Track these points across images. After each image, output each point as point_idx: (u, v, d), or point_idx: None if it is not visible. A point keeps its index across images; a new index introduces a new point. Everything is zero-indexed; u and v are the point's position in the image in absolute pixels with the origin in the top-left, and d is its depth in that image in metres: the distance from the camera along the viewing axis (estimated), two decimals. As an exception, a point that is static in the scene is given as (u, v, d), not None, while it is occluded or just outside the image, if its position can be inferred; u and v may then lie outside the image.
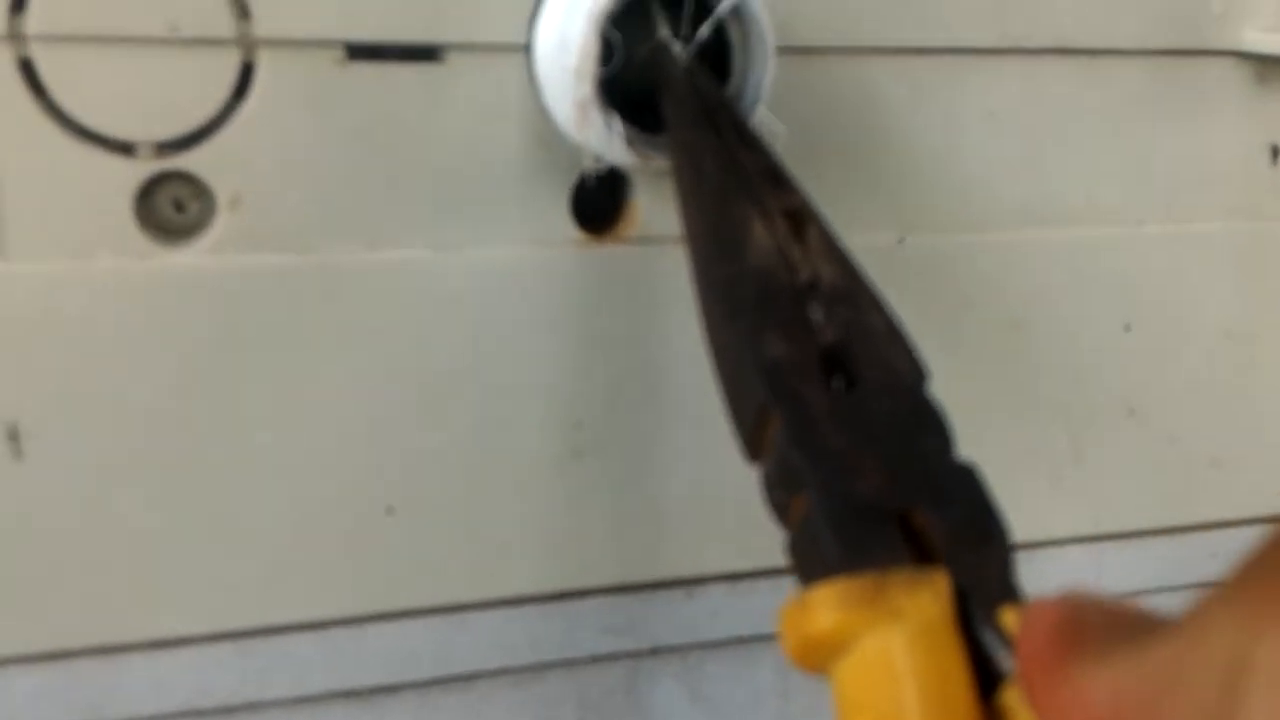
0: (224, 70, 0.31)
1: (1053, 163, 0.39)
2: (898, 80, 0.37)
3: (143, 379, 0.32)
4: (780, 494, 0.25)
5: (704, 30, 0.31)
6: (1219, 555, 0.46)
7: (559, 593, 0.37)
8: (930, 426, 0.26)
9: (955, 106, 0.38)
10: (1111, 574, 0.44)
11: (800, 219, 0.29)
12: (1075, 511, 0.43)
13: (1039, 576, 0.44)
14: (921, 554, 0.23)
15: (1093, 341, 0.41)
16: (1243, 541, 0.46)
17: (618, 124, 0.31)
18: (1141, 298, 0.41)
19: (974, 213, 0.39)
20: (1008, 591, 0.22)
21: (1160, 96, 0.40)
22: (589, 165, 0.32)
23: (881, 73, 0.37)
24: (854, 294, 0.28)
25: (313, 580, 0.35)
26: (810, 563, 0.23)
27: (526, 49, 0.33)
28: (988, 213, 0.39)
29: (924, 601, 0.21)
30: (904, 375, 0.26)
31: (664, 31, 0.31)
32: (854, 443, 0.24)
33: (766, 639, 0.40)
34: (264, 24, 0.31)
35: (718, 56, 0.32)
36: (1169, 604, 0.45)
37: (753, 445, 0.26)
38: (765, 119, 0.32)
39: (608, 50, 0.30)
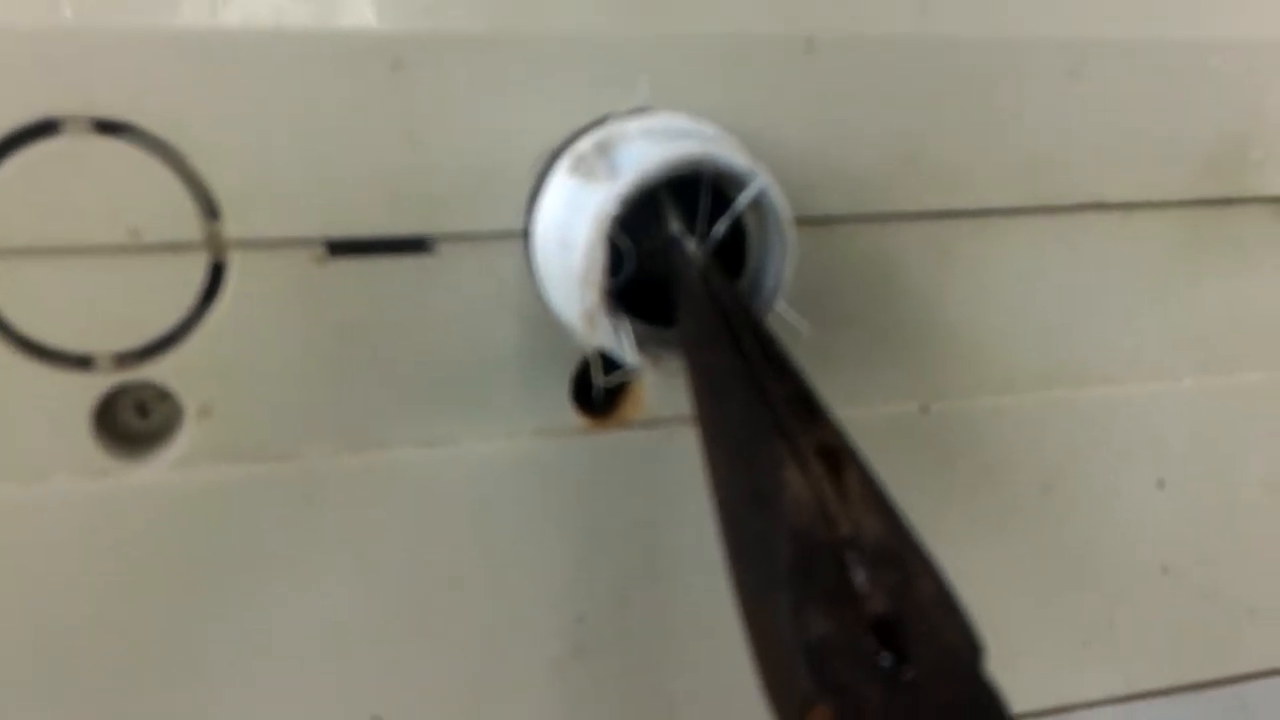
0: (191, 273, 0.28)
1: (1085, 321, 0.37)
2: (923, 244, 0.34)
3: (106, 604, 0.29)
4: None
5: (720, 227, 0.28)
6: (1248, 706, 0.44)
7: (561, 793, 0.35)
8: (989, 716, 0.23)
9: (983, 269, 0.35)
10: (1141, 732, 0.42)
11: (837, 459, 0.26)
12: (1107, 672, 0.41)
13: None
14: None
15: (1125, 501, 0.39)
16: (1272, 691, 0.43)
17: (627, 330, 0.28)
18: (1175, 453, 0.39)
19: (1001, 376, 0.36)
20: None
21: (1198, 248, 0.37)
22: (600, 375, 0.29)
23: (905, 238, 0.34)
24: (900, 553, 0.25)
25: (295, 799, 0.32)
26: None
27: (524, 235, 0.30)
28: (1015, 375, 0.36)
29: None
30: (959, 653, 0.24)
31: (675, 227, 0.29)
32: None
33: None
34: (235, 224, 0.28)
35: (733, 246, 0.30)
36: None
37: None
38: (787, 315, 0.30)
39: (616, 255, 0.28)
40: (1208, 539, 0.40)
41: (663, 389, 0.33)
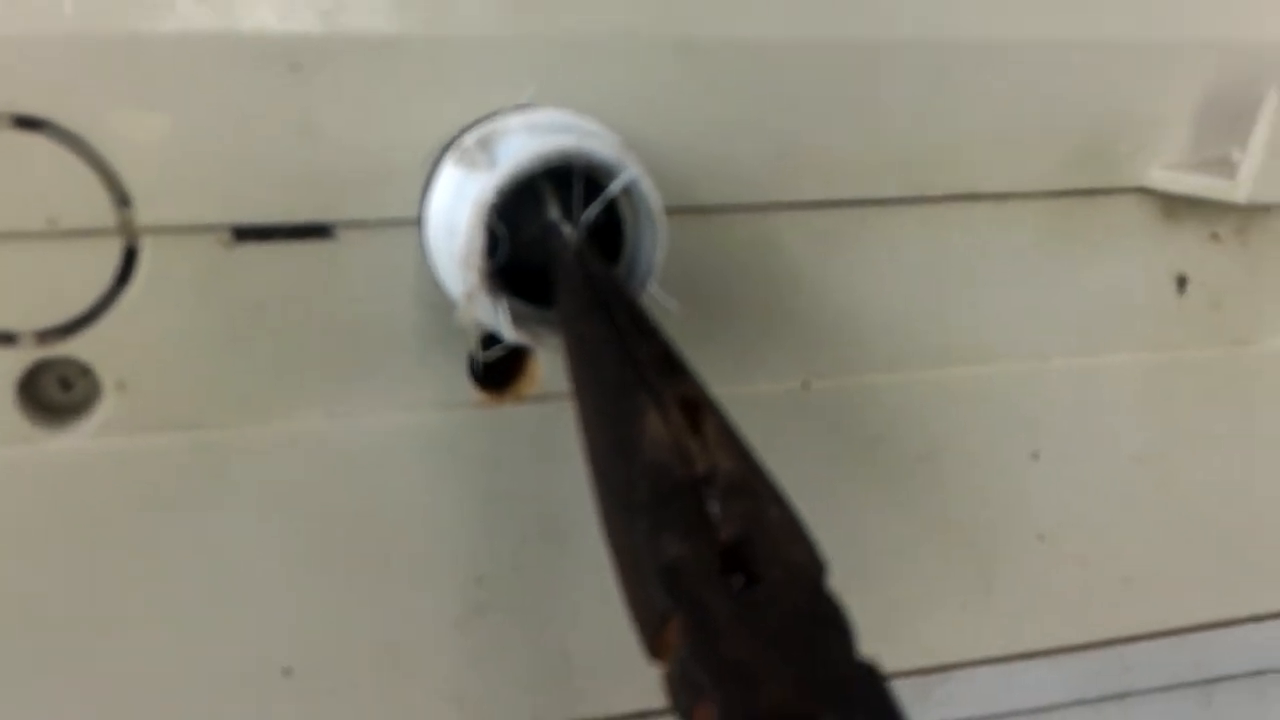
0: (106, 257, 0.30)
1: (960, 304, 0.39)
2: (802, 233, 0.37)
3: (29, 564, 0.32)
4: (683, 699, 0.25)
5: (592, 211, 0.31)
6: (1133, 668, 0.46)
7: (465, 741, 0.38)
8: (832, 625, 0.25)
9: (861, 255, 0.38)
10: (1024, 691, 0.45)
11: (697, 408, 0.29)
12: (987, 634, 0.44)
13: (953, 697, 0.44)
14: None
15: (1001, 471, 0.42)
16: (1155, 652, 0.47)
17: (505, 310, 0.31)
18: (1048, 427, 0.42)
19: (880, 355, 0.39)
20: None
21: (1068, 235, 0.40)
22: (480, 349, 0.32)
23: (784, 227, 0.36)
24: (752, 485, 0.27)
25: (212, 744, 0.35)
26: None
27: (418, 222, 0.33)
28: (894, 354, 0.39)
29: None
30: (804, 570, 0.26)
31: (554, 213, 0.31)
32: (756, 648, 0.24)
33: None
34: (145, 211, 0.30)
35: (610, 234, 0.32)
36: (1082, 717, 0.45)
37: (654, 647, 0.26)
38: (658, 295, 0.32)
39: (495, 239, 0.30)
40: (1081, 509, 0.43)
41: (555, 366, 0.35)
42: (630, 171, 0.31)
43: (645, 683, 0.39)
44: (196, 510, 0.33)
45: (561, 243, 0.31)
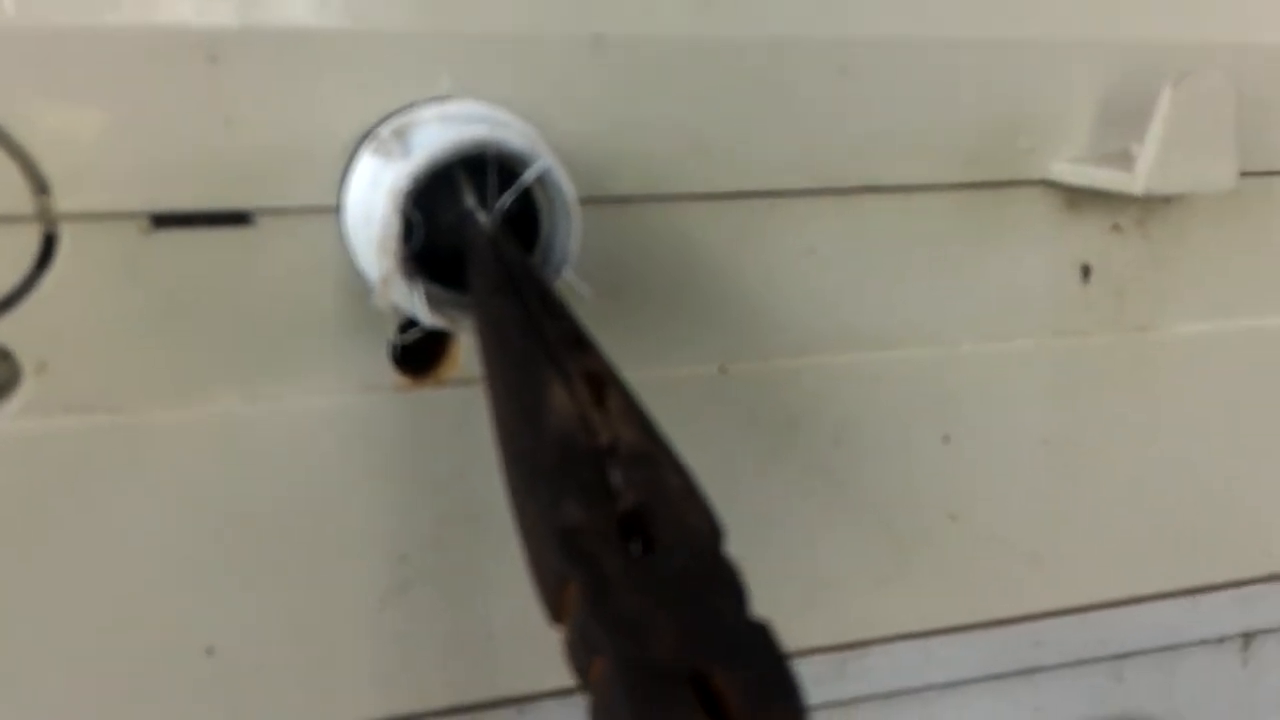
0: (25, 243, 0.31)
1: (871, 291, 0.41)
2: (714, 222, 0.38)
3: (-49, 544, 0.32)
4: (580, 658, 0.26)
5: (506, 198, 0.32)
6: (1042, 643, 0.48)
7: (389, 719, 0.38)
8: (725, 585, 0.26)
9: (774, 244, 0.39)
10: (938, 666, 0.46)
11: (601, 382, 0.30)
12: (902, 609, 0.45)
13: (869, 671, 0.46)
14: (719, 715, 0.23)
15: (913, 454, 0.43)
16: (1065, 629, 0.48)
17: (421, 294, 0.31)
18: (958, 411, 0.43)
19: (794, 340, 0.40)
20: None
21: (974, 226, 0.41)
22: (397, 333, 0.33)
23: (698, 217, 0.38)
24: (653, 455, 0.28)
25: (136, 723, 0.35)
26: None
27: (337, 209, 0.33)
28: (807, 339, 0.40)
29: None
30: (700, 535, 0.27)
31: (470, 201, 0.32)
32: (648, 606, 0.25)
33: (598, 749, 0.41)
34: (64, 199, 0.31)
35: (525, 222, 0.33)
36: (995, 691, 0.47)
37: (554, 610, 0.27)
38: (573, 282, 0.33)
39: (411, 226, 0.31)
40: (991, 490, 0.45)
41: (475, 351, 0.36)
42: (544, 160, 0.32)
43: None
44: (116, 492, 0.33)
45: (476, 230, 0.32)
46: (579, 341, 0.31)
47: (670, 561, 0.26)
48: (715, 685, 0.24)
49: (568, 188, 0.32)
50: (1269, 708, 0.54)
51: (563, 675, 0.40)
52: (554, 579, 0.26)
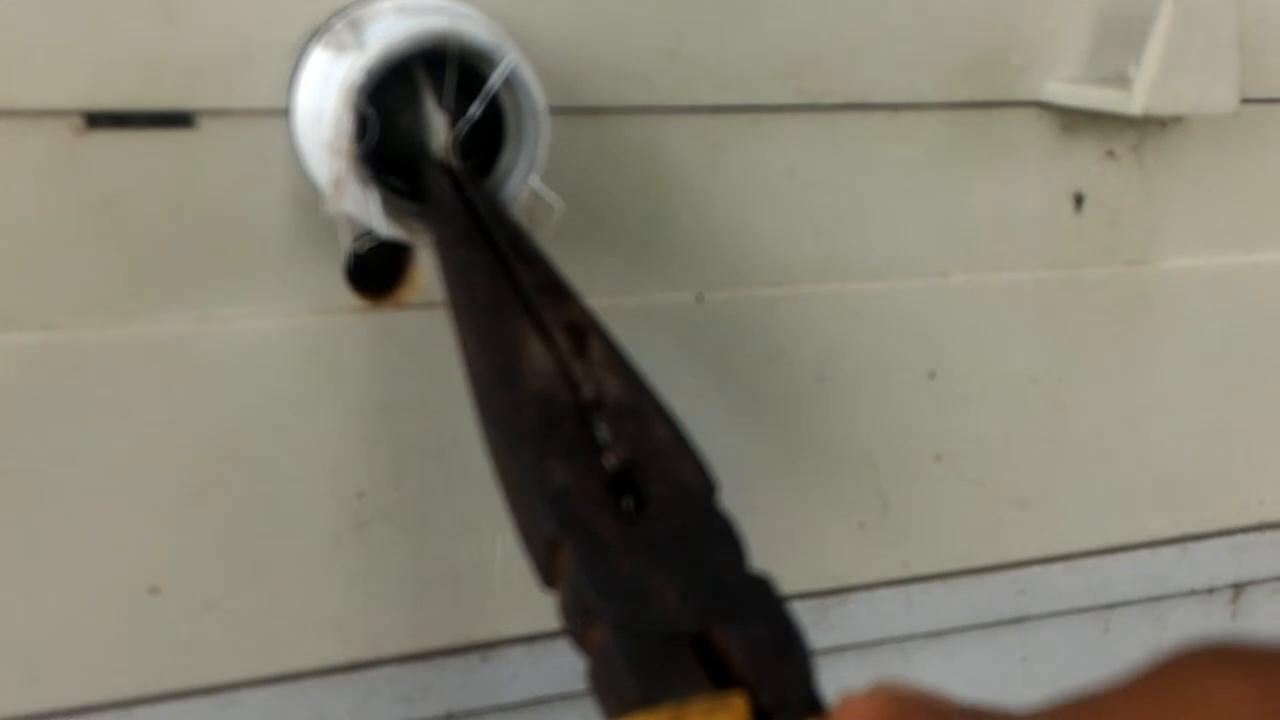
0: (-55, 141, 0.29)
1: (855, 216, 0.39)
2: (693, 139, 0.36)
3: None
4: (576, 623, 0.24)
5: (475, 108, 0.30)
6: (1027, 592, 0.47)
7: (347, 664, 0.36)
8: (722, 540, 0.25)
9: (753, 164, 0.37)
10: (921, 614, 0.45)
11: (582, 332, 0.28)
12: (884, 555, 0.43)
13: (850, 619, 0.44)
14: (723, 674, 0.22)
15: (897, 391, 0.41)
16: (1052, 577, 0.46)
17: (376, 200, 0.29)
18: (945, 346, 0.41)
19: (774, 267, 0.38)
20: (811, 704, 0.22)
21: (963, 148, 0.39)
22: (349, 240, 0.30)
23: (675, 131, 0.36)
24: (639, 407, 0.27)
25: (73, 665, 0.33)
26: (608, 696, 0.23)
27: (286, 113, 0.31)
28: (789, 267, 0.38)
29: None
30: (693, 489, 0.26)
31: (429, 103, 0.30)
32: (645, 568, 0.24)
33: (567, 698, 0.39)
34: (-13, 92, 0.28)
35: (490, 126, 0.31)
36: (981, 640, 0.45)
37: (547, 574, 0.25)
38: (541, 190, 0.31)
39: (365, 124, 0.29)
40: (978, 429, 0.43)
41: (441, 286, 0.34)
42: (510, 58, 0.29)
43: (533, 606, 0.38)
44: (51, 418, 0.31)
45: (435, 165, 0.30)
46: (556, 289, 0.29)
47: (664, 519, 0.25)
48: (717, 645, 0.23)
49: (536, 87, 0.30)
50: (1257, 660, 0.52)
51: (528, 621, 0.38)
52: (544, 544, 0.25)
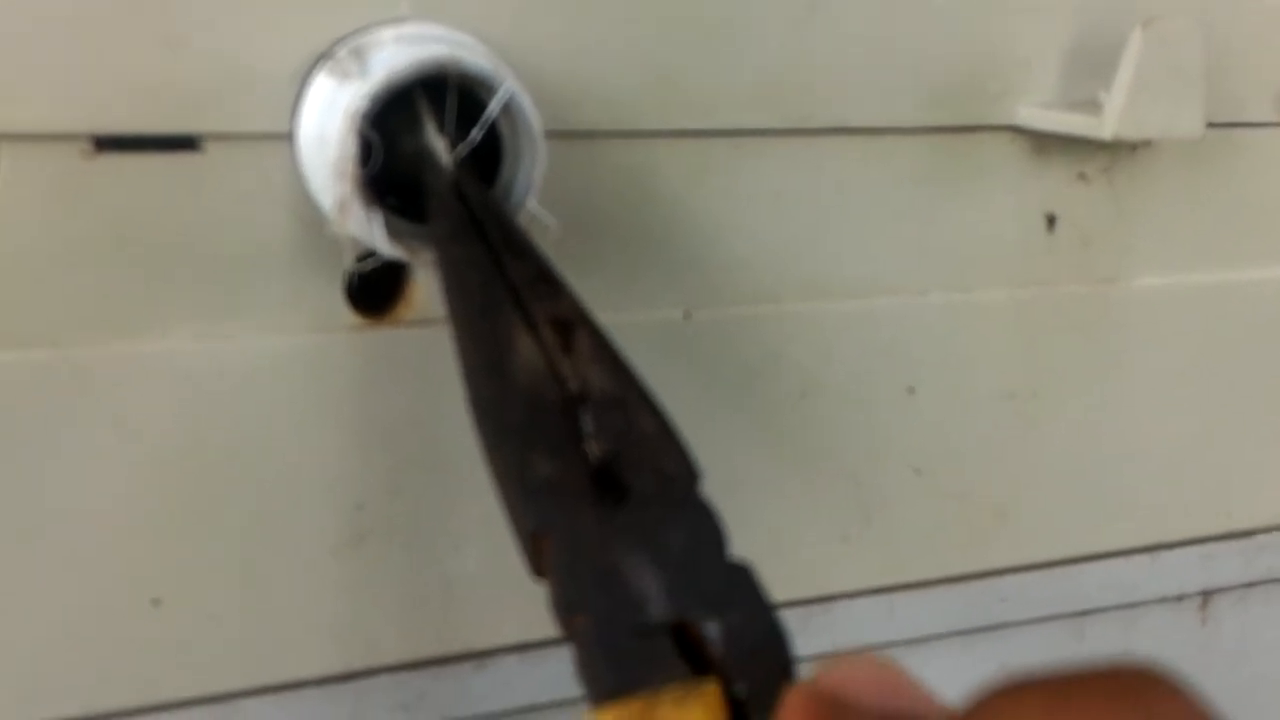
0: (-42, 164, 0.29)
1: (837, 237, 0.40)
2: (679, 161, 0.37)
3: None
4: (563, 613, 0.25)
5: (475, 133, 0.31)
6: (1006, 600, 0.48)
7: (344, 674, 0.37)
8: (703, 529, 0.25)
9: (738, 186, 0.38)
10: (902, 622, 0.46)
11: (568, 326, 0.29)
12: (865, 565, 0.45)
13: (833, 627, 0.45)
14: (702, 663, 0.23)
15: (878, 406, 0.42)
16: (1028, 585, 0.48)
17: (380, 221, 0.30)
18: (924, 362, 0.43)
19: (759, 286, 0.39)
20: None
21: (941, 171, 0.41)
22: (353, 261, 0.31)
23: (663, 155, 0.37)
24: (624, 398, 0.27)
25: (75, 675, 0.34)
26: (591, 685, 0.23)
27: (289, 137, 0.32)
28: (773, 286, 0.40)
29: (693, 717, 0.22)
30: (676, 478, 0.26)
31: (430, 128, 0.31)
32: (625, 559, 0.24)
33: (560, 705, 0.40)
34: (1, 118, 0.29)
35: (488, 149, 0.32)
36: (959, 647, 0.46)
37: (535, 565, 0.26)
38: (537, 211, 0.32)
39: (369, 148, 0.30)
40: (956, 443, 0.44)
41: (434, 291, 0.35)
42: (508, 85, 0.30)
43: (526, 615, 0.39)
44: (57, 433, 0.32)
45: (436, 172, 0.31)
46: (547, 283, 0.29)
47: (646, 509, 0.25)
48: (693, 634, 0.23)
49: (533, 113, 0.31)
50: (1226, 665, 0.54)
51: (522, 629, 0.39)
52: (530, 536, 0.25)
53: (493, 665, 0.39)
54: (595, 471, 0.26)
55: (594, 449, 0.26)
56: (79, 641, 0.34)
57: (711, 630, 0.23)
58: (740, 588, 0.24)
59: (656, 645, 0.23)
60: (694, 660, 0.23)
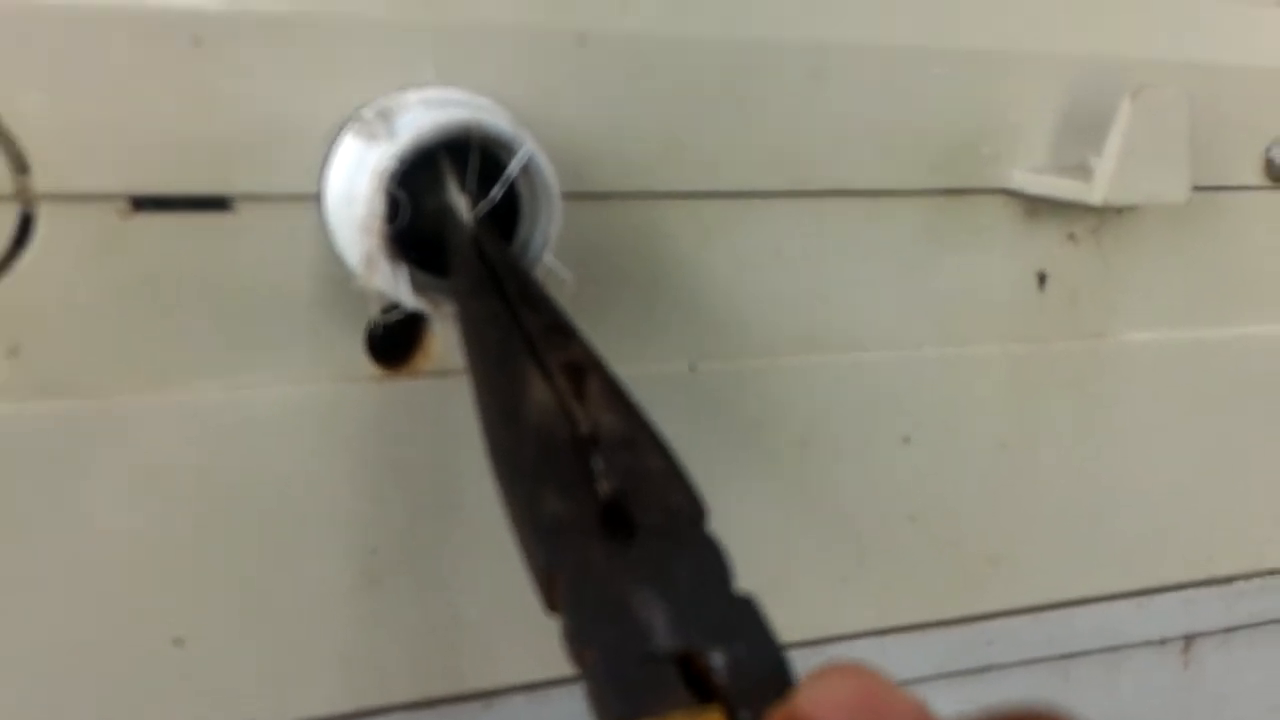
0: (2, 223, 0.31)
1: (837, 293, 0.41)
2: (687, 221, 0.38)
3: (-85, 527, 0.31)
4: (574, 646, 0.26)
5: (496, 191, 0.32)
6: (995, 642, 0.49)
7: (356, 712, 0.38)
8: (708, 564, 0.26)
9: (743, 244, 0.39)
10: (896, 662, 0.47)
11: (581, 371, 0.30)
12: (861, 608, 0.46)
13: (828, 669, 0.46)
14: (707, 692, 0.24)
15: (875, 455, 0.44)
16: (1017, 628, 0.49)
17: (404, 275, 0.32)
18: (920, 414, 0.44)
19: (761, 341, 0.41)
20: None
21: (937, 231, 0.42)
22: (378, 314, 0.33)
23: (671, 215, 0.38)
24: (633, 438, 0.29)
25: (100, 713, 0.35)
26: (600, 713, 0.24)
27: (317, 197, 0.33)
28: (774, 340, 0.41)
29: None
30: (682, 515, 0.27)
31: (452, 188, 0.32)
32: (633, 593, 0.25)
33: (564, 744, 0.41)
34: (43, 178, 0.30)
35: (507, 207, 0.33)
36: (949, 688, 0.48)
37: (548, 601, 0.27)
38: (553, 266, 0.33)
39: (395, 206, 0.31)
40: (950, 492, 0.46)
41: (450, 342, 0.36)
42: (528, 147, 0.32)
43: (537, 655, 0.40)
44: (87, 478, 0.33)
45: (457, 227, 0.32)
46: (560, 331, 0.31)
47: (653, 544, 0.26)
48: (699, 665, 0.24)
49: (550, 173, 0.33)
50: (1207, 707, 0.55)
51: (530, 669, 0.40)
52: (542, 573, 0.26)
53: (500, 704, 0.40)
54: (605, 508, 0.27)
55: (604, 487, 0.27)
56: (104, 680, 0.35)
57: (716, 660, 0.24)
58: (745, 619, 0.25)
59: (663, 674, 0.24)
60: (699, 689, 0.24)
